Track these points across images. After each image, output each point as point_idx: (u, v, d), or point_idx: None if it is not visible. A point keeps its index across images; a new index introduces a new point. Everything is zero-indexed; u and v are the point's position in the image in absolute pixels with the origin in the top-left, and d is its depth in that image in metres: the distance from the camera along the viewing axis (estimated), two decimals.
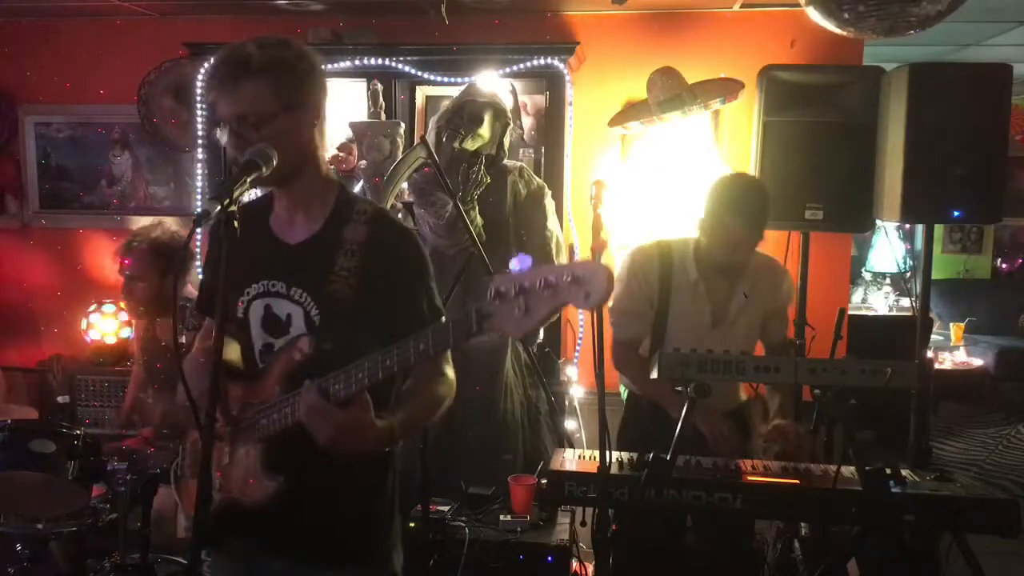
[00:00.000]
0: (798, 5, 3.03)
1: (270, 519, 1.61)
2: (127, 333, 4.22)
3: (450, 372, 1.71)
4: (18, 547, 2.80)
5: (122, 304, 4.19)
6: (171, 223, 3.14)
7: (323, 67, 1.66)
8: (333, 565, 1.67)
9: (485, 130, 3.21)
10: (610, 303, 2.78)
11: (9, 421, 2.78)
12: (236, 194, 1.39)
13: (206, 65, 3.49)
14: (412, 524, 2.82)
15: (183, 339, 2.29)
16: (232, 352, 1.73)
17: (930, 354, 4.00)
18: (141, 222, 4.25)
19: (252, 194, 1.68)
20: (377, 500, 1.73)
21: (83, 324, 4.27)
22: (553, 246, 3.32)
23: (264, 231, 1.69)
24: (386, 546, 1.74)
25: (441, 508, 2.91)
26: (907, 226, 6.20)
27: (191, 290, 2.80)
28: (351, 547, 1.69)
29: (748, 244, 2.60)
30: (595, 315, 2.11)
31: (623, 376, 2.91)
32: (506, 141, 3.34)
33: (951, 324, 6.30)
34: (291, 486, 1.58)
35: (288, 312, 1.65)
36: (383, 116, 3.63)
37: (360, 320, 1.62)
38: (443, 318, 1.70)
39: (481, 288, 1.35)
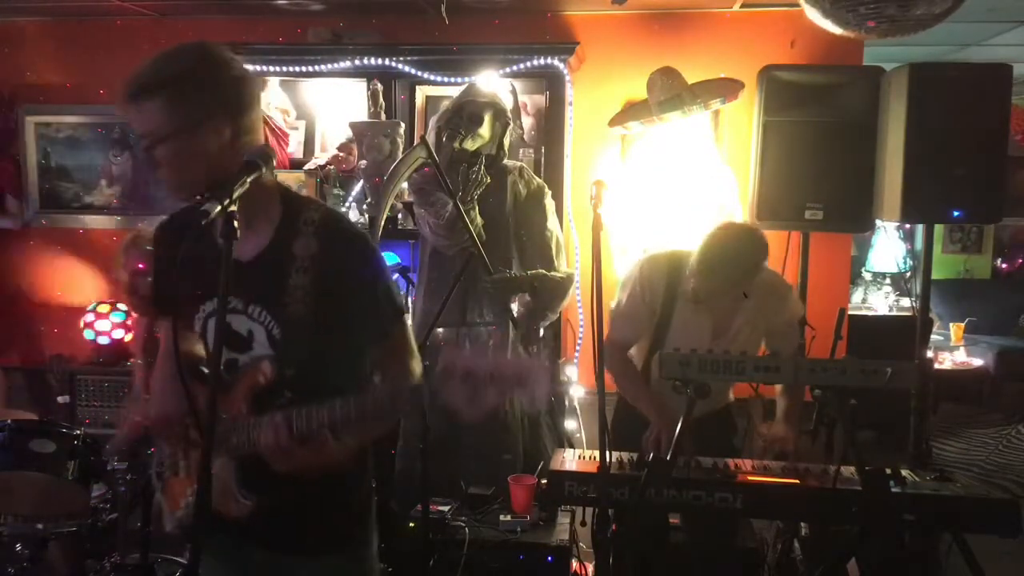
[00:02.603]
0: (798, 5, 3.03)
1: (251, 513, 1.62)
2: (120, 335, 4.22)
3: (415, 365, 1.72)
4: (18, 547, 2.81)
5: (122, 304, 4.19)
6: None
7: (244, 75, 1.57)
8: (315, 554, 1.70)
9: (485, 130, 3.21)
10: (613, 304, 2.80)
11: (9, 421, 2.78)
12: (236, 194, 1.39)
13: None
14: (412, 524, 2.82)
15: None
16: (199, 349, 1.75)
17: (930, 354, 4.00)
18: (141, 222, 4.28)
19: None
20: (356, 491, 1.76)
21: (83, 324, 4.27)
22: (553, 246, 3.32)
23: (212, 246, 1.59)
24: (366, 532, 1.78)
25: (441, 508, 2.91)
26: (907, 226, 6.19)
27: None
28: (332, 536, 1.71)
29: (724, 295, 2.61)
30: (595, 315, 2.11)
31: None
32: (506, 141, 3.34)
33: (951, 324, 6.30)
34: (266, 502, 1.60)
35: (249, 328, 1.64)
36: (383, 116, 3.63)
37: (321, 337, 1.61)
38: (404, 317, 1.72)
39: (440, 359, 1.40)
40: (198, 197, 1.40)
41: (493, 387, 1.32)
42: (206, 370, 1.70)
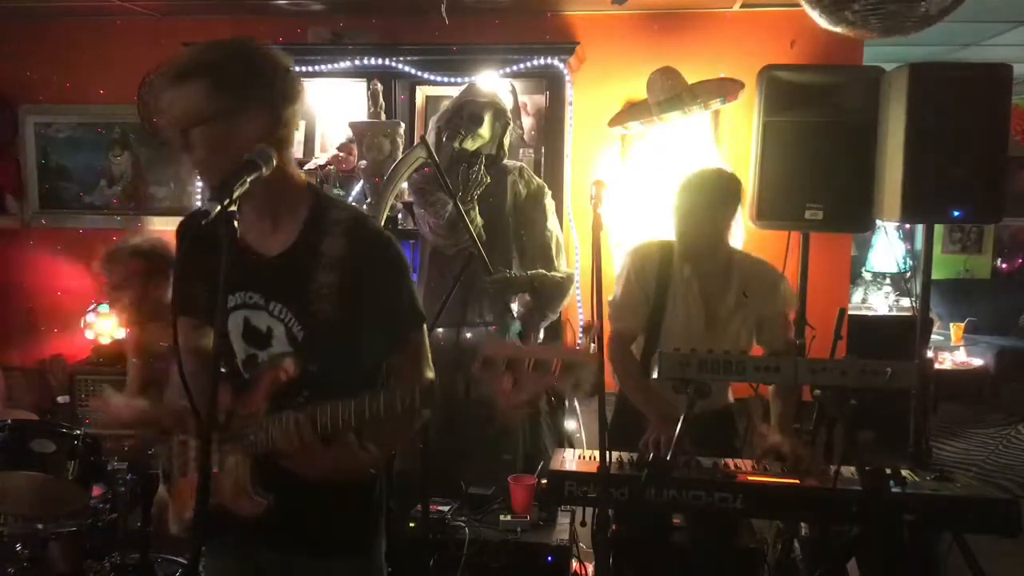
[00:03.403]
0: (798, 5, 3.03)
1: (264, 513, 1.62)
2: (120, 335, 4.21)
3: (431, 375, 1.72)
4: (18, 547, 2.80)
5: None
6: (151, 234, 3.12)
7: (289, 69, 1.58)
8: (325, 556, 1.70)
9: (485, 130, 3.21)
10: (611, 298, 2.81)
11: (9, 421, 2.78)
12: (236, 194, 1.38)
13: None
14: (412, 524, 2.82)
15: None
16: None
17: (930, 354, 4.00)
18: (141, 222, 4.29)
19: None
20: (368, 493, 1.75)
21: (83, 324, 4.26)
22: (553, 246, 3.32)
23: (232, 241, 1.63)
24: (376, 535, 1.78)
25: (441, 508, 2.91)
26: (907, 226, 6.19)
27: None
28: (343, 538, 1.71)
29: (704, 225, 2.64)
30: (595, 316, 2.11)
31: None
32: (506, 141, 3.34)
33: (951, 324, 6.30)
34: (281, 501, 1.59)
35: (268, 325, 1.64)
36: (383, 116, 3.63)
37: (345, 337, 1.61)
38: (423, 325, 1.71)
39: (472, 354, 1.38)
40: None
41: (538, 375, 1.30)
42: (224, 369, 1.69)
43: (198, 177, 1.64)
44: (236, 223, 1.38)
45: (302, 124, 4.14)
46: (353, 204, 3.20)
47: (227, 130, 1.52)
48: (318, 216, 1.64)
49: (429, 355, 1.73)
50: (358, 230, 1.63)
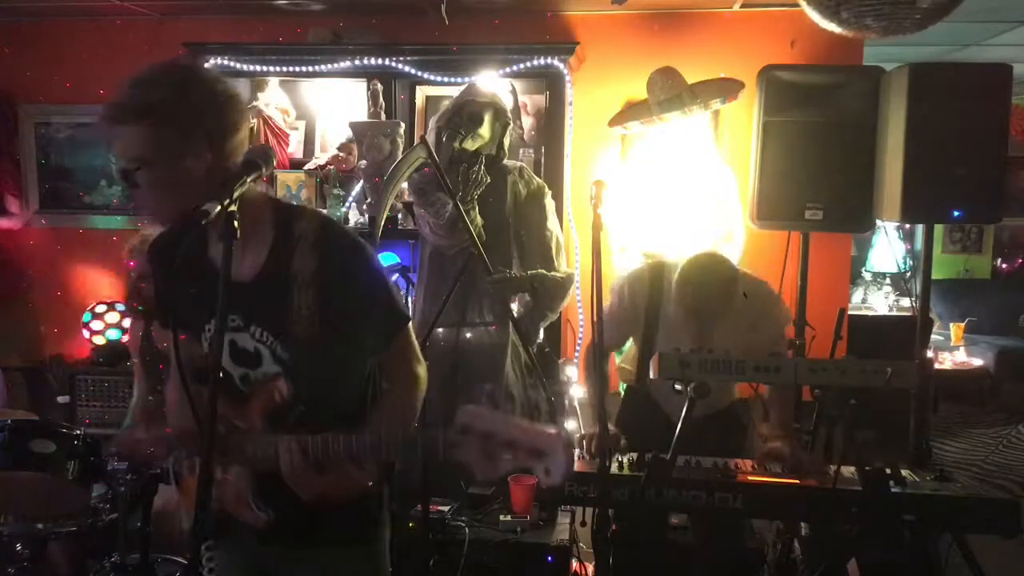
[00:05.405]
0: (798, 5, 3.03)
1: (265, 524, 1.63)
2: (119, 335, 4.22)
3: (421, 371, 1.72)
4: (18, 547, 2.81)
5: (121, 305, 4.19)
6: None
7: (231, 97, 1.53)
8: (329, 547, 1.71)
9: (485, 130, 3.20)
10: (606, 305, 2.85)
11: (9, 421, 2.78)
12: (236, 194, 1.38)
13: (206, 66, 3.49)
14: (412, 524, 2.82)
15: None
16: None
17: (930, 354, 4.00)
18: (141, 222, 4.28)
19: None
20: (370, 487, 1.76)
21: (83, 324, 4.26)
22: (553, 246, 3.32)
23: (207, 264, 1.60)
24: (379, 527, 1.80)
25: (441, 508, 2.91)
26: (907, 226, 6.19)
27: None
28: (347, 529, 1.72)
29: (700, 316, 2.70)
30: (595, 316, 2.11)
31: (620, 372, 3.02)
32: (506, 141, 3.34)
33: (951, 324, 6.30)
34: (285, 501, 1.59)
35: (255, 346, 1.63)
36: (383, 116, 3.63)
37: (330, 351, 1.61)
38: (408, 323, 1.71)
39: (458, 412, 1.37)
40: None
41: (510, 455, 1.31)
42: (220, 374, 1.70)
43: (149, 216, 1.59)
44: (236, 223, 1.37)
45: (302, 124, 4.15)
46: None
47: (171, 172, 1.47)
48: (284, 232, 1.60)
49: (417, 350, 1.73)
50: (327, 241, 1.60)
